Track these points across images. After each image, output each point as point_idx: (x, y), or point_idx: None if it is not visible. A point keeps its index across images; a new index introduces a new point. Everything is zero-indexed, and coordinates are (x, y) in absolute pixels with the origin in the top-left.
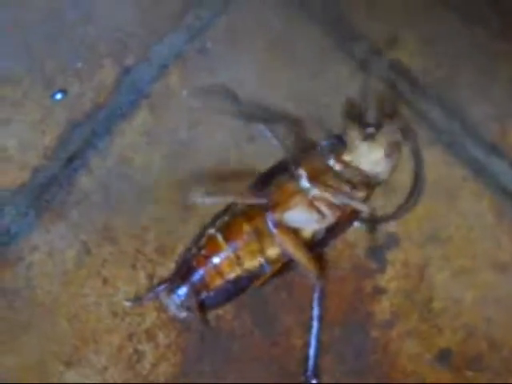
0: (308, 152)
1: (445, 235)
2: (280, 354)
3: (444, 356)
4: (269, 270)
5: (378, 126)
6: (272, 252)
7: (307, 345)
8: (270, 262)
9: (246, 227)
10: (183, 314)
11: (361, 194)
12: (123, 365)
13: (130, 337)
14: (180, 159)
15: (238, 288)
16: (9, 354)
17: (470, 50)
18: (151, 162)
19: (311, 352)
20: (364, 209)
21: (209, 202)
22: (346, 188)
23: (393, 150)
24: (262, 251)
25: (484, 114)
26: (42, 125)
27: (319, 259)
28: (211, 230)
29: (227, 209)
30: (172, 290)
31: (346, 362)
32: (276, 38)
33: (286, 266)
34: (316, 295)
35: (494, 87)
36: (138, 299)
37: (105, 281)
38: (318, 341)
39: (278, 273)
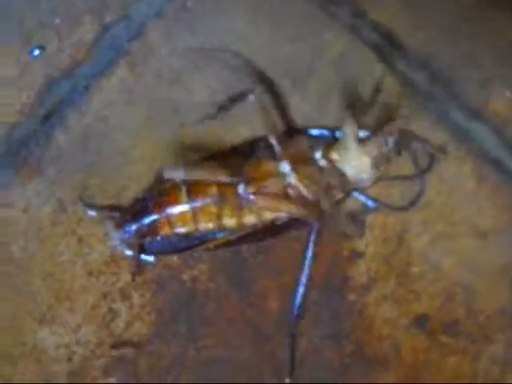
0: (295, 137)
1: (425, 200)
2: (255, 316)
3: (420, 321)
4: (219, 237)
5: (375, 131)
6: (227, 222)
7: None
8: (222, 229)
9: (213, 189)
10: (121, 250)
11: (333, 196)
12: (97, 323)
13: (105, 296)
14: (158, 118)
15: (183, 244)
16: None
17: (457, 16)
18: (129, 121)
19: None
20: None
21: (182, 178)
22: (322, 186)
23: (382, 160)
24: (218, 217)
25: (468, 78)
26: (20, 81)
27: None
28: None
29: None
30: (120, 225)
31: (323, 325)
32: (258, 0)
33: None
34: (312, 237)
35: (479, 52)
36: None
37: (80, 239)
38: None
39: (239, 241)
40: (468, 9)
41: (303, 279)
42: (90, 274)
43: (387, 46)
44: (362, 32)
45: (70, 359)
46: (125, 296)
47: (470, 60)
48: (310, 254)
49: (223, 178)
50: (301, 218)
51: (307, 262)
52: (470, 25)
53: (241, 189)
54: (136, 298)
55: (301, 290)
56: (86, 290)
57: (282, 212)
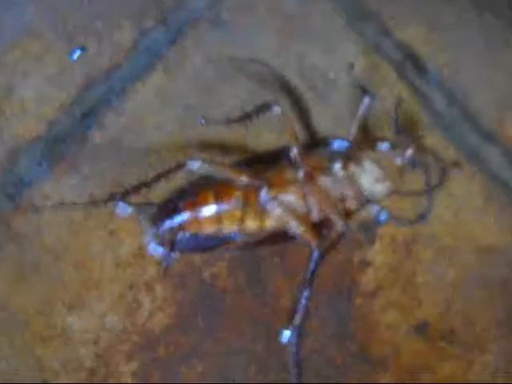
0: (316, 147)
1: (434, 214)
2: (269, 314)
3: (420, 327)
4: (238, 240)
5: (391, 145)
6: (250, 224)
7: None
8: (245, 233)
9: (237, 193)
10: (154, 245)
11: (348, 208)
12: (122, 312)
13: (131, 287)
14: (189, 123)
15: (207, 243)
16: (17, 293)
17: (477, 37)
18: (162, 123)
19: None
20: (340, 227)
21: (205, 171)
22: (337, 198)
23: (397, 174)
24: (241, 220)
25: (484, 101)
26: (60, 80)
27: (317, 229)
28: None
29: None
30: (154, 222)
31: (329, 326)
32: (290, 13)
33: (271, 239)
34: (312, 264)
35: (496, 76)
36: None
37: (111, 233)
38: (306, 305)
39: (259, 244)
40: (491, 33)
41: (303, 301)
42: (118, 265)
43: (409, 65)
44: (385, 50)
45: (95, 343)
46: (149, 288)
47: (488, 83)
48: (307, 277)
49: (246, 178)
50: (303, 238)
51: (306, 287)
52: (492, 49)
53: (263, 192)
54: (159, 291)
55: (300, 312)
56: (113, 280)
57: (289, 226)
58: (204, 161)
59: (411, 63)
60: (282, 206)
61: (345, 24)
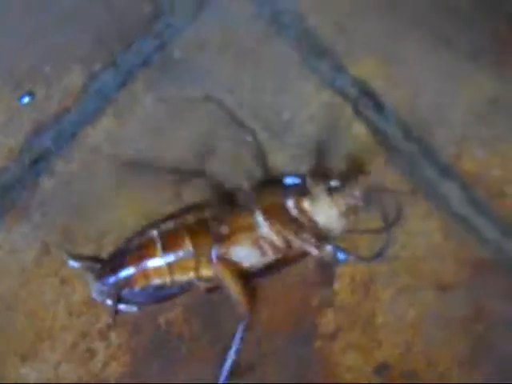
0: (268, 185)
1: (392, 252)
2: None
3: (381, 369)
4: (201, 286)
5: (344, 180)
6: (206, 273)
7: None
8: (202, 280)
9: (187, 243)
10: (101, 299)
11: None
12: (76, 362)
13: (84, 335)
14: (140, 168)
15: (160, 294)
16: None
17: (434, 72)
18: (113, 169)
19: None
20: (314, 252)
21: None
22: (297, 232)
23: (350, 211)
24: (196, 270)
25: (442, 136)
26: (8, 127)
27: (251, 294)
28: (154, 232)
29: (178, 215)
30: (100, 277)
31: (288, 371)
32: (244, 51)
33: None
34: (238, 332)
35: (455, 110)
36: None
37: (62, 281)
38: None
39: (215, 290)
40: (446, 65)
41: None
42: (70, 313)
43: (365, 101)
44: (341, 86)
45: None
46: (103, 336)
47: (446, 117)
48: (233, 350)
49: (202, 240)
50: (235, 302)
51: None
52: (448, 82)
53: (213, 249)
54: (113, 339)
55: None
56: (66, 329)
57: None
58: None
59: (367, 99)
60: (227, 265)
61: (299, 60)
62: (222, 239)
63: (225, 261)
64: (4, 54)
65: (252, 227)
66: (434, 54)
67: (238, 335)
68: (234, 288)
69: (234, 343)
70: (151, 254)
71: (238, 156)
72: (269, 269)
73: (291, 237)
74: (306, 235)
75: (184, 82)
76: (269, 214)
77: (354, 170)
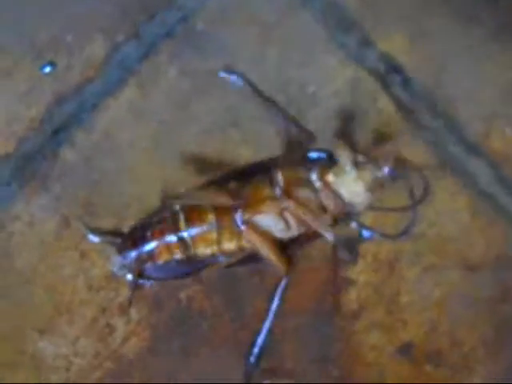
0: (292, 158)
1: (418, 231)
2: (247, 337)
3: (405, 349)
4: (223, 261)
5: (370, 155)
6: (228, 246)
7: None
8: (224, 254)
9: (211, 217)
10: (122, 274)
11: (328, 220)
12: (95, 337)
13: (103, 310)
14: (163, 140)
15: (182, 269)
16: None
17: (462, 49)
18: (135, 140)
19: (259, 340)
20: (329, 237)
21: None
22: (317, 210)
23: (376, 186)
24: (218, 243)
25: (469, 113)
26: (29, 96)
27: (287, 255)
28: (177, 206)
29: (200, 188)
30: (121, 251)
31: (311, 349)
32: (268, 24)
33: (251, 257)
34: (280, 289)
35: (481, 88)
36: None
37: (82, 254)
38: (270, 331)
39: (238, 264)
40: (475, 44)
41: (265, 328)
42: (90, 288)
43: (392, 77)
44: (368, 62)
45: (67, 369)
46: (122, 311)
47: (473, 95)
48: (274, 305)
49: (224, 203)
50: (273, 263)
51: (271, 313)
52: (475, 60)
53: (238, 216)
54: (133, 314)
55: (261, 337)
56: (85, 303)
57: (260, 251)
58: (181, 196)
59: (394, 74)
60: (256, 229)
61: (325, 35)
62: (245, 206)
63: (252, 226)
64: (25, 22)
65: (274, 199)
66: (462, 31)
67: (279, 294)
68: (267, 249)
69: (274, 302)
70: (174, 228)
71: (260, 129)
72: (294, 243)
73: (309, 219)
74: (325, 217)
75: (207, 55)
76: (290, 188)
77: (380, 145)
